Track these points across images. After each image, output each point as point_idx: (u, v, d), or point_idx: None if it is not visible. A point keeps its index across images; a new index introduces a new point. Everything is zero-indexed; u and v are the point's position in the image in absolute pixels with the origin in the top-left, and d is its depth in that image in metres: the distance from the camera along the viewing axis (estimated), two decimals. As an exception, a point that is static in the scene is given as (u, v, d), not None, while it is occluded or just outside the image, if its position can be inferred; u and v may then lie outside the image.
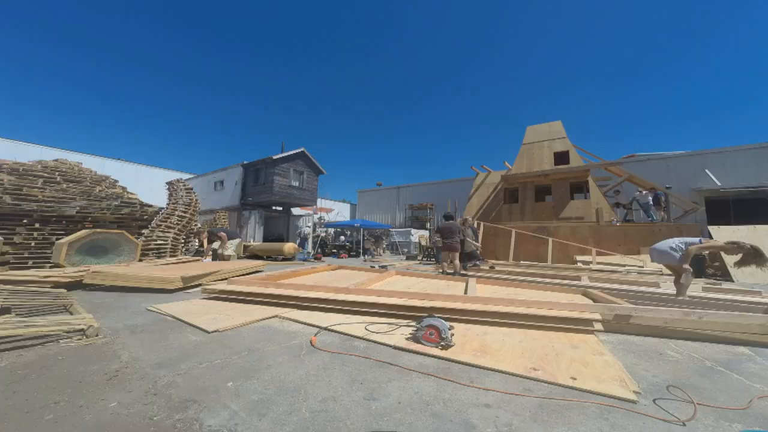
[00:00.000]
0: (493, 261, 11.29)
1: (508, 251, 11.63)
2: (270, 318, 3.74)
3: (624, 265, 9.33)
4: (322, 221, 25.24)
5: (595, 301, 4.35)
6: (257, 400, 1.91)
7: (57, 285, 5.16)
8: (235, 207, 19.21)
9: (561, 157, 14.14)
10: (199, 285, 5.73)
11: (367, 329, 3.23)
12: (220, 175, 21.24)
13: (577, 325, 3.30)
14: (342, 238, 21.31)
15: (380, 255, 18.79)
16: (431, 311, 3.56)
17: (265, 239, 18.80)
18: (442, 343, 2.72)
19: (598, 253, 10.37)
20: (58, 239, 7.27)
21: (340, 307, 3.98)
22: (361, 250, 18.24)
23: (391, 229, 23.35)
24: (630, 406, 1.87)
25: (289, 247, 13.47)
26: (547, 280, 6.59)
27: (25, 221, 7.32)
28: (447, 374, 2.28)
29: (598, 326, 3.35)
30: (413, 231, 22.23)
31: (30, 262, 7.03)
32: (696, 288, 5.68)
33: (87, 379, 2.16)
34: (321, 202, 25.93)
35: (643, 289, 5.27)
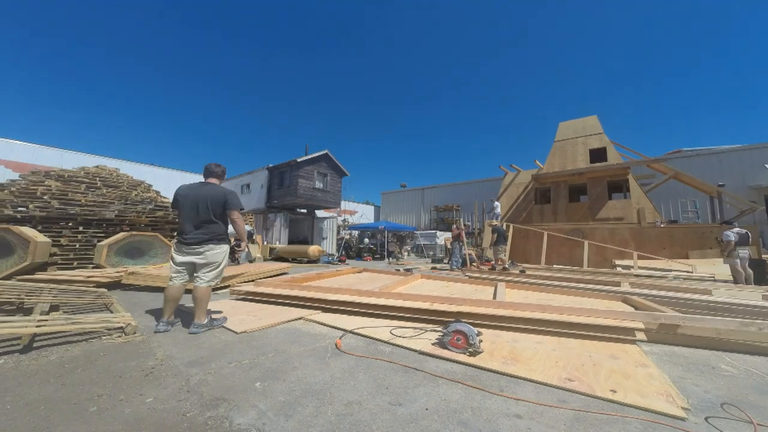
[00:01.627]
0: (524, 265, 10.99)
1: (539, 254, 11.28)
2: (296, 320, 3.84)
3: (670, 270, 8.80)
4: (346, 223, 25.53)
5: (636, 308, 4.14)
6: (284, 401, 1.97)
7: (99, 285, 5.54)
8: (261, 210, 19.80)
9: (597, 154, 13.57)
10: (228, 286, 5.96)
11: (392, 333, 3.24)
12: (247, 179, 21.97)
13: (617, 334, 3.15)
14: (366, 240, 21.47)
15: (405, 258, 18.76)
16: (458, 316, 3.52)
17: (290, 242, 19.24)
18: (469, 350, 2.68)
19: (640, 257, 9.85)
20: (98, 241, 7.79)
21: (365, 311, 4.01)
22: (386, 253, 18.28)
23: (415, 232, 23.26)
24: (678, 424, 1.77)
25: (313, 249, 13.75)
26: (583, 285, 6.32)
27: (70, 224, 7.91)
28: (475, 382, 2.25)
29: (640, 336, 3.18)
30: (439, 233, 22.06)
31: (75, 263, 7.58)
32: (755, 296, 5.27)
33: (126, 374, 2.31)
34: (345, 205, 26.24)
35: (691, 296, 4.95)
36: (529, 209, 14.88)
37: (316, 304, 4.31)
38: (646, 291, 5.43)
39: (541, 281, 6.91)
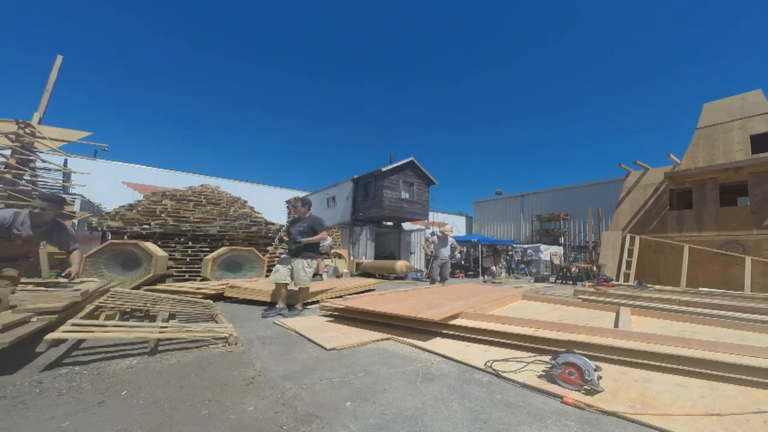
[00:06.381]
0: (657, 286, 9.58)
1: (677, 273, 9.72)
2: (384, 339, 3.99)
3: None
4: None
5: (835, 350, 3.29)
6: (375, 424, 2.07)
7: (206, 296, 6.53)
8: (347, 223, 20.99)
9: (763, 141, 11.19)
10: (317, 302, 6.46)
11: (489, 360, 3.14)
12: (332, 191, 23.60)
13: (803, 384, 2.55)
14: (457, 255, 21.12)
15: (502, 275, 17.90)
16: (569, 346, 3.24)
17: (377, 256, 19.94)
18: (585, 387, 2.46)
19: (841, 279, 7.77)
20: (204, 255, 9.21)
21: (458, 333, 3.97)
22: (480, 269, 17.71)
23: (514, 245, 22.09)
24: None
25: (401, 264, 14.06)
26: (743, 314, 5.26)
27: (182, 239, 9.53)
28: (594, 427, 2.05)
29: (842, 388, 2.52)
30: (542, 247, 20.57)
31: (186, 275, 9.07)
32: None
33: (230, 382, 2.69)
34: (433, 216, 26.24)
35: None
36: (661, 216, 12.91)
37: (405, 324, 4.41)
38: None
39: (681, 308, 5.95)
